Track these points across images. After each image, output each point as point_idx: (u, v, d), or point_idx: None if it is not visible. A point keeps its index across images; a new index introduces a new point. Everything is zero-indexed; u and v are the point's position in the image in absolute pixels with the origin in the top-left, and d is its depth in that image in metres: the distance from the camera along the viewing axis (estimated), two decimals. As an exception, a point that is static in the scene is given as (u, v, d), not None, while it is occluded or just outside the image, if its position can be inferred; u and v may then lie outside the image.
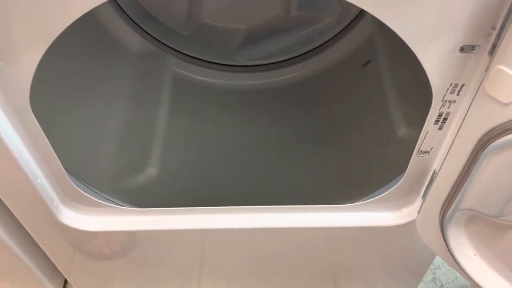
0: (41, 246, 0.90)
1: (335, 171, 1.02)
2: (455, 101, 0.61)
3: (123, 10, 1.12)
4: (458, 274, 1.19)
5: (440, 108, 0.63)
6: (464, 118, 0.60)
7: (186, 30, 1.19)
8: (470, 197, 0.63)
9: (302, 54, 1.25)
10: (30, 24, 0.52)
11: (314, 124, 1.16)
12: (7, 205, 0.77)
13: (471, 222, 0.68)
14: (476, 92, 0.57)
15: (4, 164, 0.67)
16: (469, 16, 0.52)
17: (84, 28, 1.00)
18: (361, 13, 1.13)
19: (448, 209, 0.67)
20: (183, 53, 1.23)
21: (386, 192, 0.77)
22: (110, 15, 1.10)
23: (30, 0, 0.50)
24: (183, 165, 1.09)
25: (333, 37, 1.21)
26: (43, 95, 0.65)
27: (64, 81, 0.93)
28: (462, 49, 0.55)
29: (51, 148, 0.68)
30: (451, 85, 0.60)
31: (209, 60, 1.24)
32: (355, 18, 1.16)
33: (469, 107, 0.59)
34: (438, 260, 1.17)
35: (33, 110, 0.62)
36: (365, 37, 1.15)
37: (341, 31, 1.20)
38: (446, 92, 0.60)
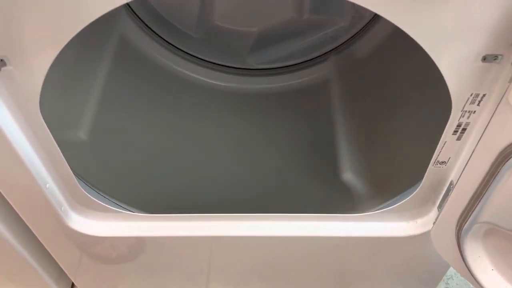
0: (48, 249, 0.89)
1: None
2: (475, 111, 0.60)
3: (135, 13, 1.11)
4: (471, 285, 1.16)
5: (459, 118, 0.61)
6: (485, 129, 0.58)
7: (197, 33, 1.18)
8: (489, 210, 0.62)
9: (314, 58, 1.23)
10: (41, 29, 0.51)
11: (325, 129, 1.14)
12: (15, 208, 0.76)
13: (489, 235, 0.66)
14: (498, 104, 0.55)
15: (13, 168, 0.66)
16: (492, 25, 0.51)
17: (95, 29, 0.99)
18: (375, 17, 1.12)
19: (466, 222, 0.65)
20: (193, 56, 1.22)
21: (401, 202, 0.75)
22: (121, 17, 1.09)
23: (41, 4, 0.49)
24: (189, 168, 1.08)
25: (346, 41, 1.19)
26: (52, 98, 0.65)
27: (73, 85, 0.93)
28: (484, 59, 0.54)
29: (60, 152, 0.68)
30: (471, 95, 0.58)
31: (220, 63, 1.23)
32: (369, 22, 1.15)
33: (491, 118, 0.57)
34: (451, 269, 1.15)
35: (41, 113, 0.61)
36: (379, 42, 1.13)
37: (354, 35, 1.18)
38: (466, 102, 0.59)
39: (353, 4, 0.50)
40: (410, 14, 0.51)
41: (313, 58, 1.23)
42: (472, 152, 0.62)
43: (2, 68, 0.54)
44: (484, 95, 0.58)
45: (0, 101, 0.58)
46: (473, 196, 0.63)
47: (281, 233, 0.80)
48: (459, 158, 0.67)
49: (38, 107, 0.60)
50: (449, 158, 0.67)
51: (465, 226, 0.66)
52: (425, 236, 0.78)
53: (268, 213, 0.81)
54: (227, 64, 1.23)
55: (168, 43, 1.17)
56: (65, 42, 0.52)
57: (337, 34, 1.19)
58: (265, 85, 1.24)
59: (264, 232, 0.81)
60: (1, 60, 0.54)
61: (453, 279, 1.19)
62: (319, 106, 1.20)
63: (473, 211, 0.63)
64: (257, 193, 1.03)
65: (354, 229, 0.80)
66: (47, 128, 0.63)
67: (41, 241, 0.86)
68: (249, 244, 0.85)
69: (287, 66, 1.25)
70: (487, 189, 0.59)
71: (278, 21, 1.17)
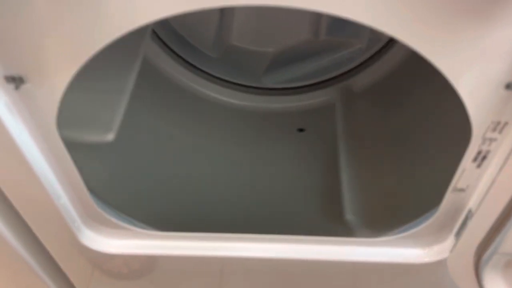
0: (60, 264, 0.89)
1: (362, 202, 0.99)
2: (496, 139, 0.58)
3: (154, 31, 1.12)
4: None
5: (480, 145, 0.59)
6: (507, 158, 0.57)
7: (214, 52, 1.18)
8: (510, 241, 0.60)
9: (330, 79, 1.23)
10: (60, 47, 0.51)
11: (337, 150, 1.13)
12: (28, 223, 0.76)
13: (510, 267, 0.64)
14: (522, 132, 0.54)
15: (27, 183, 0.66)
16: (516, 52, 0.50)
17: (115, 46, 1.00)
18: (392, 40, 1.11)
19: (485, 252, 0.63)
20: (209, 74, 1.22)
21: (416, 228, 0.74)
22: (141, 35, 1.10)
23: (60, 23, 0.49)
24: (203, 186, 1.07)
25: (362, 63, 1.19)
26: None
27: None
28: (507, 86, 0.52)
29: (75, 169, 0.68)
30: (492, 122, 0.57)
31: (235, 82, 1.23)
32: (385, 45, 1.14)
33: (513, 147, 0.56)
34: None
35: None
36: (395, 65, 1.12)
37: (370, 57, 1.18)
38: (487, 130, 0.57)
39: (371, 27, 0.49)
40: (429, 39, 0.50)
41: (329, 79, 1.23)
42: (493, 181, 0.60)
43: (21, 86, 0.55)
44: (506, 122, 0.56)
45: (17, 118, 0.58)
46: (493, 226, 0.61)
47: (294, 256, 0.79)
48: (479, 186, 0.65)
49: (55, 124, 0.60)
50: (468, 185, 0.66)
51: (484, 256, 0.64)
52: (441, 264, 0.76)
53: (283, 234, 0.80)
54: (242, 83, 1.23)
55: (185, 60, 1.18)
56: (84, 61, 0.52)
57: (354, 56, 1.19)
58: (280, 104, 1.24)
59: (278, 254, 0.79)
60: (20, 77, 0.54)
61: (469, 309, 1.16)
62: (335, 126, 1.19)
63: (493, 242, 0.61)
64: (272, 214, 1.01)
65: (368, 254, 0.78)
66: (63, 144, 0.63)
67: (53, 256, 0.86)
68: (262, 266, 0.84)
69: (302, 86, 1.25)
70: (509, 219, 0.57)
71: (294, 42, 1.18)
